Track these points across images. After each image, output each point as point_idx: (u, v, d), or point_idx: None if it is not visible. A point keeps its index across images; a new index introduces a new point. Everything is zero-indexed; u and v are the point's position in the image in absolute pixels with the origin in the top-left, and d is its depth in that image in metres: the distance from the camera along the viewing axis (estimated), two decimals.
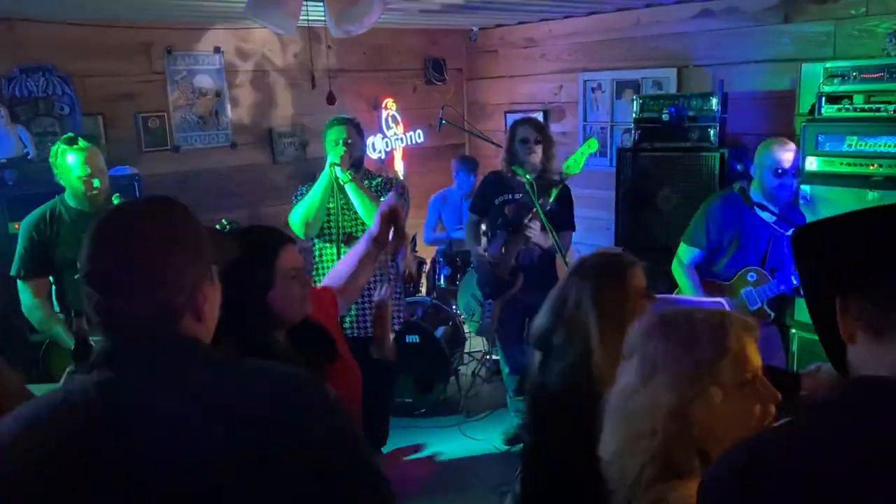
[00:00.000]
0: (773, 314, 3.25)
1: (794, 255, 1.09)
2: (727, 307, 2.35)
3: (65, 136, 3.16)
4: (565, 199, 3.79)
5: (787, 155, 3.18)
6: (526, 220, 3.57)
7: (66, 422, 1.04)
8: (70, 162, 3.01)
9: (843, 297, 1.00)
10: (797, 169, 3.25)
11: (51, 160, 3.08)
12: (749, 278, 3.25)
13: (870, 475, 0.88)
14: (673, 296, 3.27)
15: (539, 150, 3.71)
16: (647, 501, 1.28)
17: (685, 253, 3.35)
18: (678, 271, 3.35)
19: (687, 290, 3.29)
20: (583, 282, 1.89)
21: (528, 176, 3.49)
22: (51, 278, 3.14)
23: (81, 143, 3.04)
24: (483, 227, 3.91)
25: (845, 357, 1.03)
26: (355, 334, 3.35)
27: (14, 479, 1.00)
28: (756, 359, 1.37)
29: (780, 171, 3.16)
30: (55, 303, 3.15)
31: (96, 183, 3.04)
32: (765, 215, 3.20)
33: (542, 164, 3.71)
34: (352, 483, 1.14)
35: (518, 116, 5.69)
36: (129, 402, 1.06)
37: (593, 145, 3.62)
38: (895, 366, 0.95)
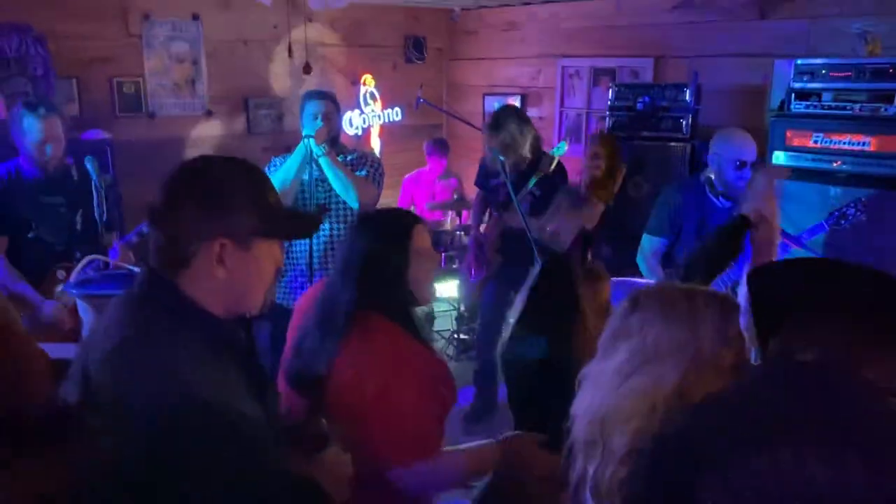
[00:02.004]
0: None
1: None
2: None
3: (27, 99, 3.16)
4: (551, 184, 3.77)
5: (748, 149, 3.22)
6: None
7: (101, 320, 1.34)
8: (27, 126, 3.03)
9: None
10: (753, 162, 3.30)
11: (10, 122, 3.10)
12: None
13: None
14: (628, 279, 3.31)
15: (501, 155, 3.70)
16: (624, 448, 1.32)
17: (648, 243, 3.38)
18: (641, 262, 3.41)
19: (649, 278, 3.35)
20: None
21: (501, 157, 3.52)
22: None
23: (41, 109, 3.05)
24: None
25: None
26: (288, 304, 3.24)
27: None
28: (742, 338, 1.39)
29: (740, 164, 3.21)
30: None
31: (48, 150, 3.06)
32: (723, 202, 3.26)
33: (512, 158, 3.69)
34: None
35: (496, 99, 5.75)
36: (107, 322, 1.28)
37: (561, 149, 3.64)
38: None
